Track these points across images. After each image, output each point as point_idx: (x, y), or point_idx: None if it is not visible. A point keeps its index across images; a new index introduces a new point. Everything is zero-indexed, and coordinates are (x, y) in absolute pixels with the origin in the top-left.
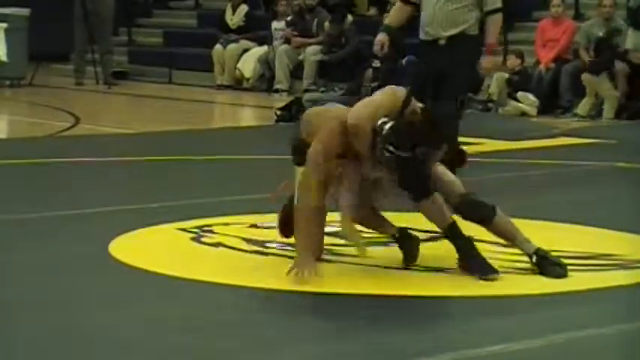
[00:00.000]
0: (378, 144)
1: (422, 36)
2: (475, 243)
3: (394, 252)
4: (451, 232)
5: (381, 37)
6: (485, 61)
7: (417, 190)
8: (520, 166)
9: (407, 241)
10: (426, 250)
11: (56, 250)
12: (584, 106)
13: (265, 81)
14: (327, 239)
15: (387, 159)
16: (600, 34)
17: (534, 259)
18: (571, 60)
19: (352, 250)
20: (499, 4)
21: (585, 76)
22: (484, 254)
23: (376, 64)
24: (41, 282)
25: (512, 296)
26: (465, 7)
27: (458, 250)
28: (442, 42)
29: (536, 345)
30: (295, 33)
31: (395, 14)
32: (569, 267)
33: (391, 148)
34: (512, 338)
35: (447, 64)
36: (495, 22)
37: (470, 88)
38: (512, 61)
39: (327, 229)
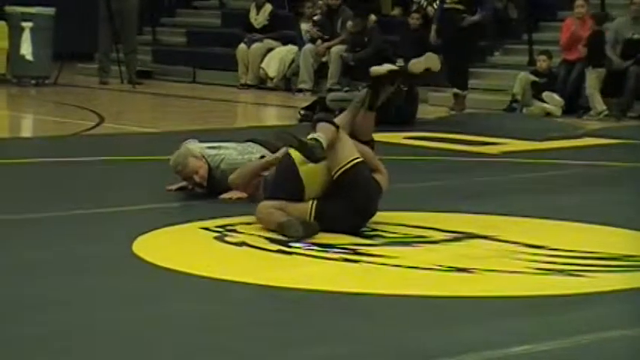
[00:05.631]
0: None
1: None
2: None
3: (418, 252)
4: None
5: None
6: None
7: None
8: (544, 166)
9: None
10: (449, 249)
11: (79, 249)
12: None
13: (287, 80)
14: (351, 239)
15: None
16: (630, 35)
17: None
18: None
19: (376, 250)
20: None
21: None
22: (514, 256)
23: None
24: (64, 280)
25: (538, 297)
26: None
27: None
28: None
29: (561, 346)
30: (321, 33)
31: None
32: (595, 268)
33: None
34: (537, 339)
35: None
36: None
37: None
38: (542, 63)
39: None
